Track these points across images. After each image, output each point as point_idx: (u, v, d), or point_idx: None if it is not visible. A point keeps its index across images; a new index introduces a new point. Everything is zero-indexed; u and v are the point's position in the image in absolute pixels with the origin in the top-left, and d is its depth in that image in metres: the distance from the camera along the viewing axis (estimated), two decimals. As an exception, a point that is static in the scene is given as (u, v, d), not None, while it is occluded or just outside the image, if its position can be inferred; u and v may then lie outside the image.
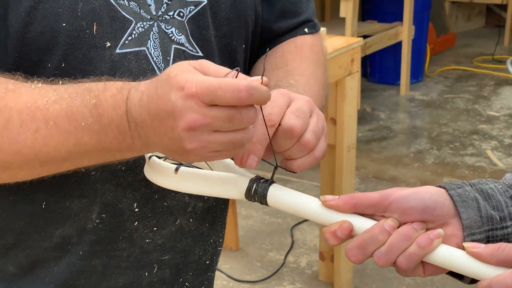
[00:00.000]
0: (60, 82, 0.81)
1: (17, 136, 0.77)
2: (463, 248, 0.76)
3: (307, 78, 1.00)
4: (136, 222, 0.94)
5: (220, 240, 1.08)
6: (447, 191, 0.79)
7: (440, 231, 0.76)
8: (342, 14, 4.19)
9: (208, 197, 0.99)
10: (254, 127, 0.77)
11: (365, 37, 4.46)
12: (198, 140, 0.71)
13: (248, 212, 3.31)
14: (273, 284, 2.79)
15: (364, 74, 5.28)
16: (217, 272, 2.89)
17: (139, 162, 0.90)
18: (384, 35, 4.69)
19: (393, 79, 5.10)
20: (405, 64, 4.90)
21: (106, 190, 0.92)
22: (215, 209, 1.03)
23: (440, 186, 0.80)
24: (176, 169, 0.82)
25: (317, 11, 5.54)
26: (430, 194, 0.78)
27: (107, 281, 0.97)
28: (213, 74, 0.72)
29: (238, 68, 0.72)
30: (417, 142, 4.15)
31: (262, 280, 2.82)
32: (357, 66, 2.55)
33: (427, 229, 0.77)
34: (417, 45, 5.05)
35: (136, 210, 0.94)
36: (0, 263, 0.95)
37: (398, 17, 4.83)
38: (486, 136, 4.18)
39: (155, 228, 0.96)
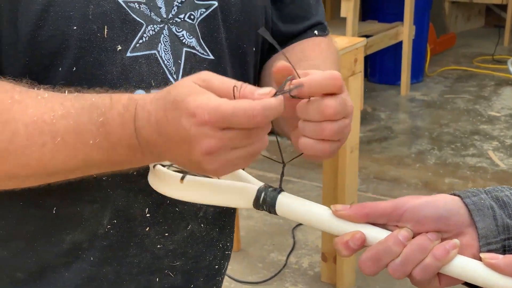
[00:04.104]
0: (66, 92, 0.79)
1: (24, 149, 0.76)
2: (479, 259, 0.74)
3: None
4: (148, 228, 0.93)
5: (228, 244, 1.07)
6: (462, 199, 0.77)
7: (456, 241, 0.74)
8: (343, 14, 4.19)
9: None
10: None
11: (365, 37, 4.45)
12: (217, 161, 0.70)
13: (249, 212, 3.30)
14: (275, 285, 2.79)
15: (365, 74, 5.26)
16: (219, 273, 2.88)
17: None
18: (384, 35, 4.68)
19: (394, 79, 5.09)
20: (406, 64, 4.89)
21: (117, 195, 0.91)
22: (225, 214, 1.02)
23: (454, 194, 0.78)
24: (182, 178, 0.80)
25: (317, 11, 5.53)
26: (444, 202, 0.76)
27: None
28: (219, 90, 0.69)
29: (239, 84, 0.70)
30: (418, 142, 4.14)
31: (264, 281, 2.81)
32: (360, 66, 2.54)
33: (442, 239, 0.75)
34: (417, 45, 5.04)
35: (148, 215, 0.93)
36: (9, 269, 0.94)
37: (399, 17, 4.81)
38: (487, 136, 4.17)
39: (166, 234, 0.95)
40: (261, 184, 0.81)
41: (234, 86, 0.69)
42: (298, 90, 0.74)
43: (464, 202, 0.77)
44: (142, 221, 0.93)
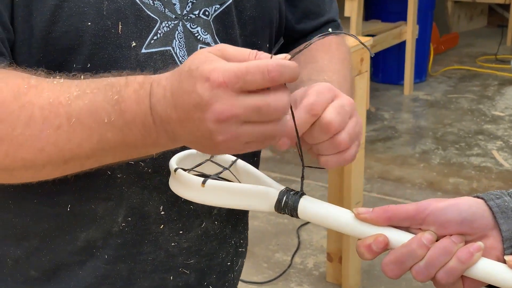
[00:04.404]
0: (82, 77, 0.79)
1: (40, 133, 0.75)
2: (503, 261, 0.74)
3: (337, 76, 0.98)
4: (162, 225, 0.93)
5: (242, 241, 1.07)
6: (485, 202, 0.76)
7: (480, 244, 0.74)
8: (346, 13, 4.18)
9: None
10: (296, 111, 0.76)
11: (369, 36, 4.45)
12: (228, 132, 0.68)
13: (253, 212, 3.29)
14: (280, 286, 2.78)
15: (368, 74, 5.27)
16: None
17: (165, 165, 0.88)
18: (388, 35, 4.67)
19: (397, 79, 5.09)
20: (409, 63, 4.88)
21: (132, 193, 0.90)
22: (238, 211, 1.02)
23: (478, 197, 0.78)
24: (203, 182, 0.79)
25: (320, 11, 5.53)
26: (468, 205, 0.76)
27: (132, 286, 0.95)
28: (234, 57, 0.69)
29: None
30: (422, 142, 4.13)
31: (269, 281, 2.80)
32: (366, 66, 2.53)
33: (466, 242, 0.75)
34: (420, 44, 5.04)
35: (162, 213, 0.92)
36: (22, 268, 0.94)
37: (402, 17, 4.81)
38: (492, 136, 4.16)
39: (181, 232, 0.94)
40: (282, 187, 0.81)
41: (250, 52, 0.69)
42: None
43: (488, 205, 0.76)
44: (157, 219, 0.92)
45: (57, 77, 0.79)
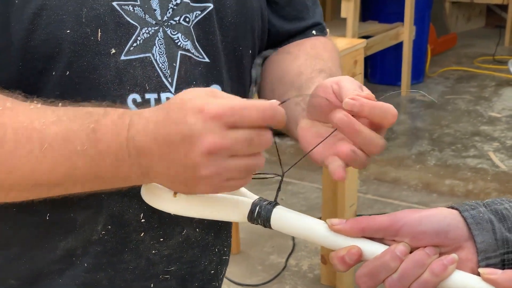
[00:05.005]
0: (60, 104, 0.78)
1: (10, 156, 0.75)
2: (478, 273, 0.73)
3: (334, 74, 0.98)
4: (143, 233, 0.92)
5: (225, 249, 1.06)
6: (460, 212, 0.76)
7: (454, 256, 0.73)
8: (343, 14, 4.18)
9: None
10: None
11: (366, 37, 4.44)
12: (214, 166, 0.68)
13: (249, 214, 3.29)
14: (275, 288, 2.78)
15: (365, 75, 5.23)
16: (218, 276, 2.87)
17: (145, 173, 0.88)
18: (385, 36, 4.67)
19: (394, 80, 5.08)
20: (406, 64, 4.88)
21: (112, 200, 0.89)
22: (221, 219, 1.01)
23: (452, 207, 0.77)
24: (175, 192, 0.78)
25: (318, 12, 5.52)
26: (442, 216, 0.75)
27: None
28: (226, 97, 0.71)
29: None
30: (418, 143, 4.13)
31: (264, 283, 2.80)
32: (360, 68, 2.53)
33: (440, 254, 0.74)
34: (418, 45, 5.03)
35: (143, 220, 0.91)
36: (2, 276, 0.93)
37: (399, 18, 4.81)
38: (488, 137, 4.16)
39: (161, 239, 0.94)
40: (255, 197, 0.80)
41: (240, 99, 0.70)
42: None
43: (463, 216, 0.75)
44: (137, 227, 0.92)
45: (34, 101, 0.78)
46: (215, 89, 0.73)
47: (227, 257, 1.06)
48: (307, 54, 1.01)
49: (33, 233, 0.90)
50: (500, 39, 6.13)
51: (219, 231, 1.02)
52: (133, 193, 0.89)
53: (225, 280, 2.83)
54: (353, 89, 0.80)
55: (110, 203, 0.89)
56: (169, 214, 0.92)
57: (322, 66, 0.97)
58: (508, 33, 6.28)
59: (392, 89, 5.07)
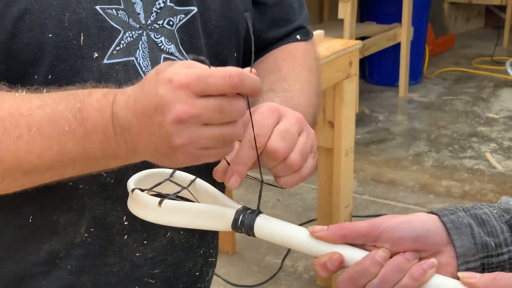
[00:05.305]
0: (44, 90, 0.79)
1: (0, 144, 0.75)
2: (457, 278, 0.73)
3: (300, 83, 0.99)
4: (126, 236, 0.93)
5: (211, 251, 1.06)
6: (439, 217, 0.76)
7: (433, 260, 0.73)
8: (340, 15, 4.18)
9: None
10: (240, 147, 0.75)
11: (363, 38, 4.44)
12: (187, 134, 0.69)
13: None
14: (270, 289, 2.78)
15: (363, 76, 5.26)
16: (213, 277, 2.87)
17: (128, 175, 0.88)
18: (382, 37, 4.67)
19: (392, 81, 5.08)
20: (404, 65, 4.88)
21: (94, 203, 0.90)
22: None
23: (432, 212, 0.77)
24: (160, 202, 0.79)
25: (315, 13, 5.53)
26: (422, 222, 0.75)
27: None
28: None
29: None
30: (416, 144, 4.13)
31: (259, 284, 2.80)
32: (355, 69, 2.53)
33: (420, 258, 0.74)
34: (415, 46, 5.03)
35: (126, 223, 0.92)
36: None
37: (397, 19, 4.80)
38: (485, 138, 4.16)
39: (145, 242, 0.94)
40: (239, 206, 0.80)
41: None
42: None
43: (442, 221, 0.76)
44: (120, 229, 0.92)
45: (19, 90, 0.79)
46: (193, 62, 0.72)
47: (213, 259, 1.07)
48: (264, 71, 1.02)
49: (17, 236, 0.91)
50: (498, 40, 6.13)
51: (204, 233, 1.02)
52: (116, 195, 0.90)
53: (220, 280, 2.84)
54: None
55: (93, 206, 0.90)
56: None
57: (268, 84, 0.98)
58: (506, 34, 6.28)
59: (390, 90, 5.08)
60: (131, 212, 0.91)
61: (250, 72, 0.70)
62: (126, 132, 0.73)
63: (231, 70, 0.68)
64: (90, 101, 0.74)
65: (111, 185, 0.89)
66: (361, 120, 4.46)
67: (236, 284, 2.80)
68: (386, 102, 4.90)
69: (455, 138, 4.17)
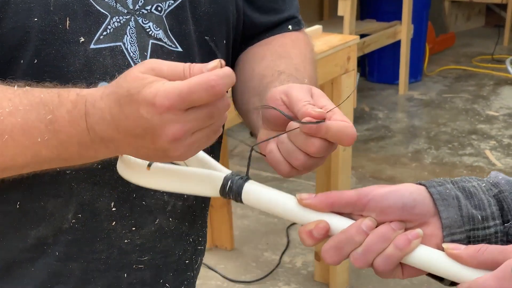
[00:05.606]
0: (15, 86, 0.77)
1: None
2: (442, 249, 0.73)
3: (308, 77, 0.98)
4: (114, 222, 0.92)
5: (200, 239, 1.06)
6: (427, 188, 0.76)
7: (418, 231, 0.73)
8: (340, 13, 4.17)
9: (188, 196, 0.97)
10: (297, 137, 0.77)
11: (363, 36, 4.44)
12: (183, 146, 0.70)
13: (243, 211, 3.29)
14: (268, 285, 2.77)
15: (363, 73, 5.26)
16: (211, 272, 2.87)
17: (116, 161, 0.88)
18: (382, 34, 4.66)
19: (392, 79, 5.08)
20: (404, 63, 4.87)
21: (82, 189, 0.89)
22: (195, 208, 1.01)
23: (420, 184, 0.77)
24: (149, 165, 0.79)
25: (315, 10, 5.53)
26: (409, 192, 0.75)
27: (86, 285, 0.94)
28: (169, 75, 0.69)
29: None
30: (415, 141, 4.12)
31: (257, 280, 2.79)
32: (353, 64, 2.52)
33: (406, 229, 0.74)
34: (416, 44, 5.02)
35: (114, 209, 0.91)
36: None
37: (397, 16, 4.80)
38: (485, 136, 4.15)
39: (133, 228, 0.94)
40: (228, 172, 0.80)
41: (183, 68, 0.69)
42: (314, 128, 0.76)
43: (429, 192, 0.75)
44: (108, 215, 0.91)
45: None
46: (156, 63, 0.70)
47: (202, 247, 1.06)
48: (273, 54, 1.01)
49: (4, 222, 0.90)
50: (499, 38, 6.13)
51: (193, 221, 1.02)
52: (104, 181, 0.90)
53: (218, 276, 2.84)
54: (303, 98, 0.79)
55: (80, 192, 0.89)
56: (141, 203, 0.93)
57: (284, 67, 0.97)
58: (507, 32, 6.28)
59: (390, 88, 5.07)
60: (119, 198, 0.91)
61: (220, 64, 0.69)
62: (107, 142, 0.73)
63: (211, 79, 0.66)
64: (60, 113, 0.73)
65: (98, 171, 0.89)
66: (360, 117, 4.46)
67: (234, 280, 2.80)
68: (386, 100, 4.89)
69: (454, 136, 4.17)
